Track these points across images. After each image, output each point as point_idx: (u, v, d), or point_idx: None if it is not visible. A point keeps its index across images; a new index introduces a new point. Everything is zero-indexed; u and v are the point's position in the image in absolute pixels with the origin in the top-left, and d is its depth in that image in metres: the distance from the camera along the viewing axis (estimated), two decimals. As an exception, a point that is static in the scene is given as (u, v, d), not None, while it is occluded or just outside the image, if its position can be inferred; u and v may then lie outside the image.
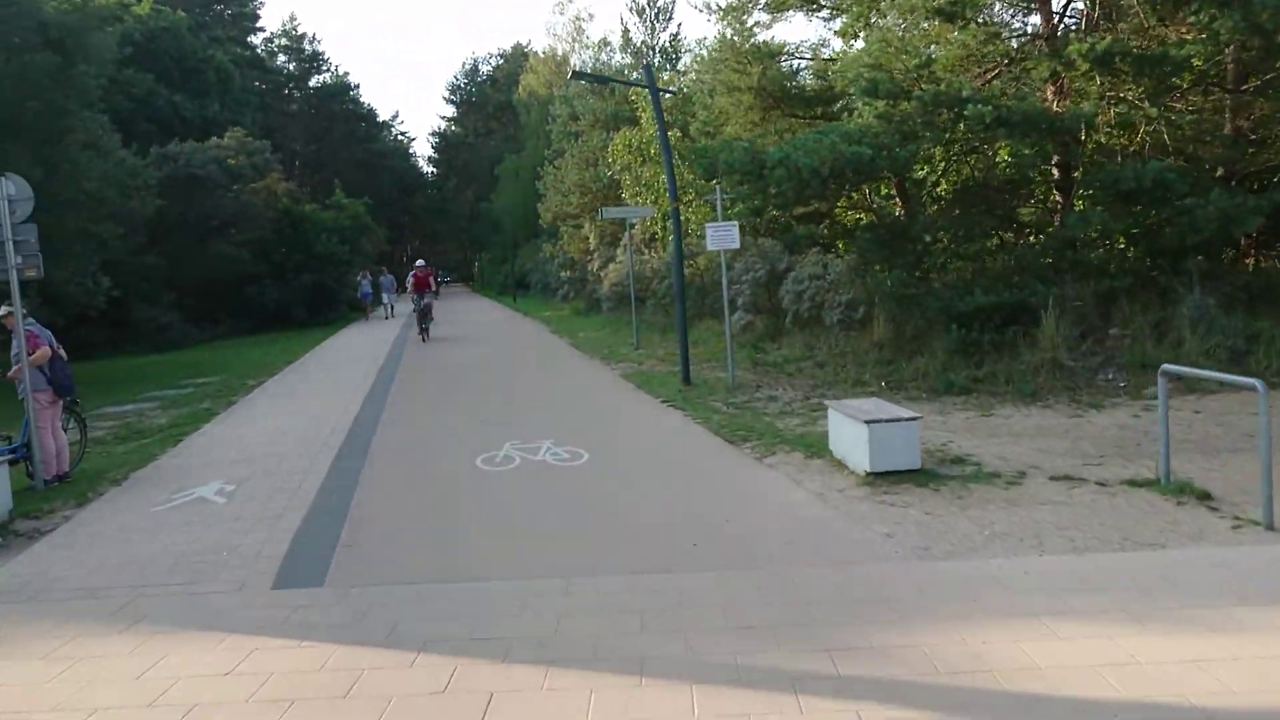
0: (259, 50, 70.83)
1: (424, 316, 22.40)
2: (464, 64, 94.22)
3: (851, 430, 7.91)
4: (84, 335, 29.28)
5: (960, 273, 13.82)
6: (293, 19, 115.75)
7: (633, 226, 22.26)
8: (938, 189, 16.01)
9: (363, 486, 8.23)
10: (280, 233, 34.46)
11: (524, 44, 62.93)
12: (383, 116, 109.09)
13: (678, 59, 30.97)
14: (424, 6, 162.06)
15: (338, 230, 36.05)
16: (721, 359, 16.07)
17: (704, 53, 21.88)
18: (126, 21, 44.86)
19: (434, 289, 22.84)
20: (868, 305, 14.37)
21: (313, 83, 75.70)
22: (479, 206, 64.11)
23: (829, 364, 13.85)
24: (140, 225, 30.59)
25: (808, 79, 20.04)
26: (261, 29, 69.34)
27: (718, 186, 13.12)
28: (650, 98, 14.39)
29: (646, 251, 23.63)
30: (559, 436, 9.99)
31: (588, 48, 52.49)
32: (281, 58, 75.45)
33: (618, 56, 33.75)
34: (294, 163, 73.15)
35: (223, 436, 11.38)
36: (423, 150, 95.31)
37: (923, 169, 14.75)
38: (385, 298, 33.07)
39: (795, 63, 21.02)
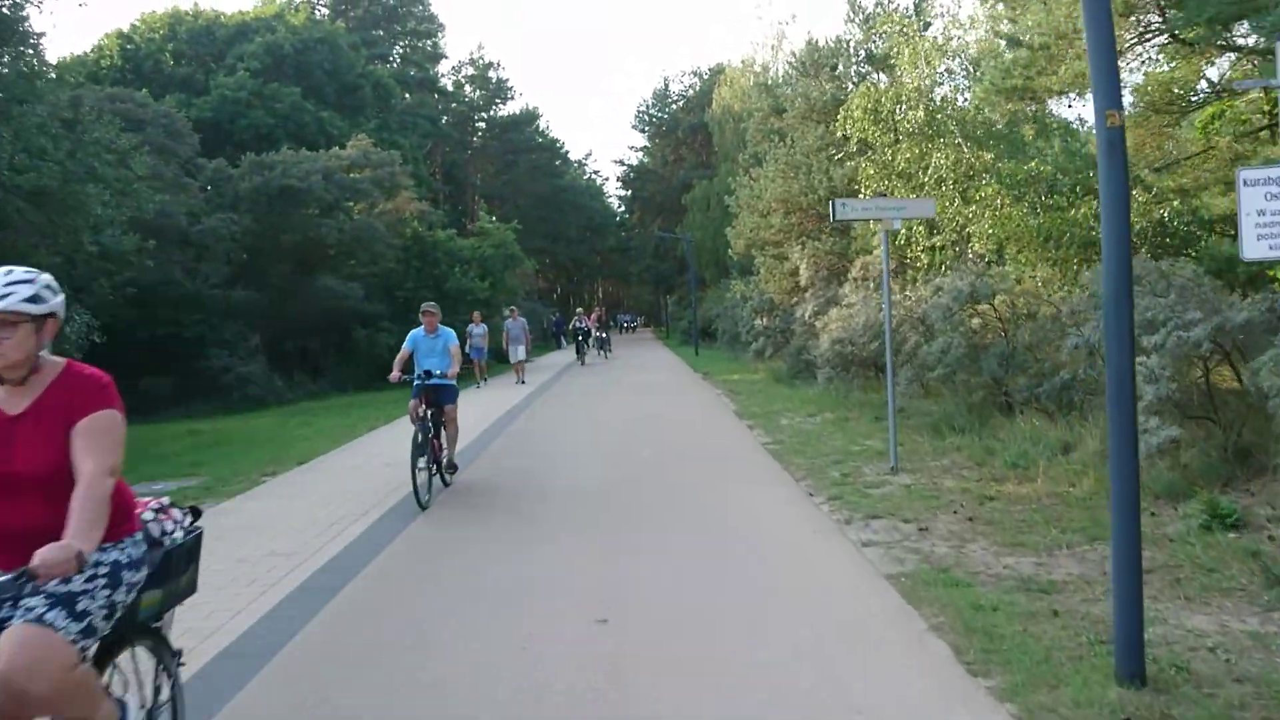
0: (442, 78, 66.84)
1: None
2: (654, 90, 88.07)
3: None
4: (146, 388, 23.22)
5: None
6: (480, 48, 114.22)
7: (892, 237, 13.31)
8: None
9: None
10: (406, 264, 27.67)
11: (720, 65, 55.34)
12: (574, 155, 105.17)
13: (927, 25, 21.70)
14: (616, 40, 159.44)
15: (478, 261, 28.85)
16: (1090, 528, 6.79)
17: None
18: (278, 32, 40.42)
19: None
20: None
21: (497, 113, 71.09)
22: (663, 242, 56.51)
23: None
24: (220, 251, 24.47)
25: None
26: (443, 55, 65.15)
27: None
28: None
29: (898, 288, 14.59)
30: None
31: (794, 54, 44.18)
32: (467, 88, 71.46)
33: (838, 30, 24.86)
34: (472, 196, 68.67)
35: None
36: (610, 187, 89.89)
37: None
38: (514, 352, 22.31)
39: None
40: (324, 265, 26.36)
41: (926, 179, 12.62)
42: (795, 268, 21.51)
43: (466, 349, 21.28)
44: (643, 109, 62.48)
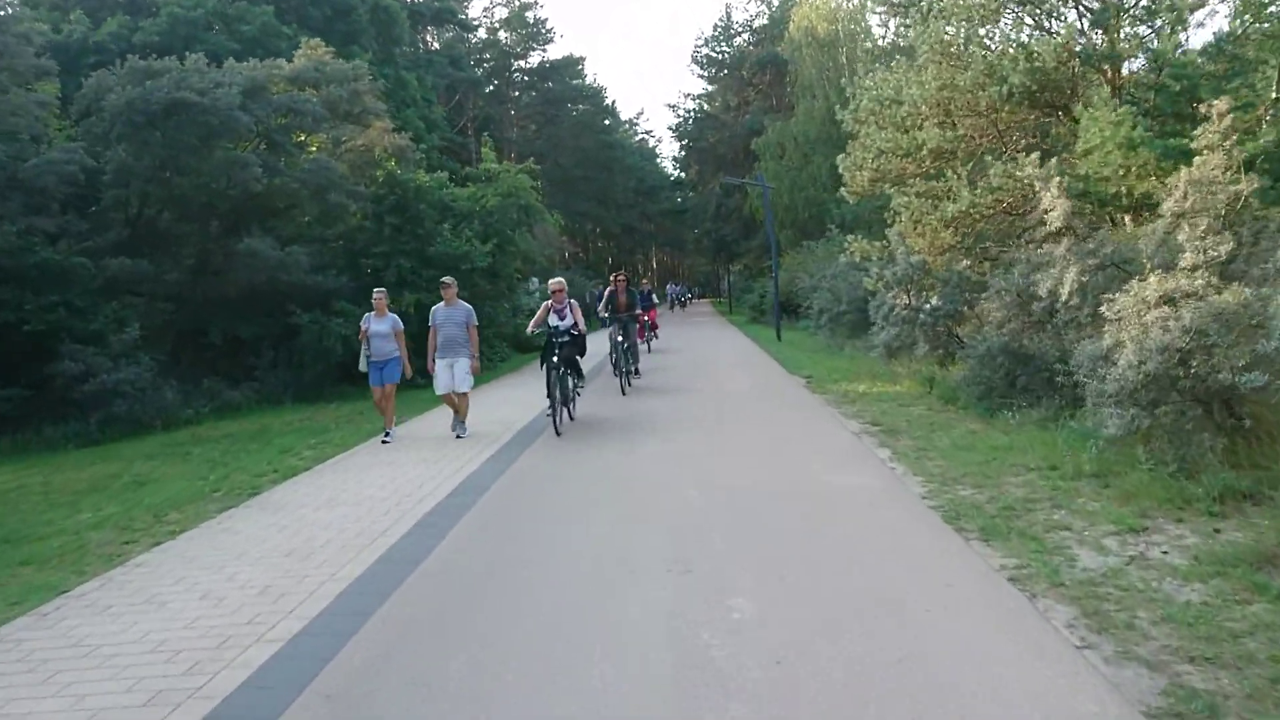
0: (474, 22, 58.75)
1: None
2: (715, 22, 78.61)
3: None
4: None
5: None
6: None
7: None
8: None
9: None
10: (378, 220, 19.73)
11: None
12: (625, 115, 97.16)
13: None
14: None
15: (478, 216, 20.82)
16: None
17: None
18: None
19: None
20: None
21: (535, 59, 62.89)
22: (725, 203, 47.97)
23: None
24: (110, 201, 16.85)
25: None
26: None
27: None
28: None
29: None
30: None
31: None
32: (502, 34, 63.30)
33: None
34: (508, 154, 60.70)
35: None
36: (663, 149, 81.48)
37: None
38: (440, 369, 11.21)
39: None
40: (246, 222, 18.48)
41: None
42: (966, 210, 13.06)
43: (363, 355, 11.58)
44: (700, 43, 53.63)
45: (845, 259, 17.91)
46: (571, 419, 12.05)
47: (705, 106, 54.86)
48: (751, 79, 48.85)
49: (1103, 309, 7.26)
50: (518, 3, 61.92)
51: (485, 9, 64.41)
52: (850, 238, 16.36)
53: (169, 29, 29.49)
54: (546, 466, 9.51)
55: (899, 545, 6.06)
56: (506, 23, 61.86)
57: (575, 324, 11.66)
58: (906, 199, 14.27)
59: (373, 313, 11.66)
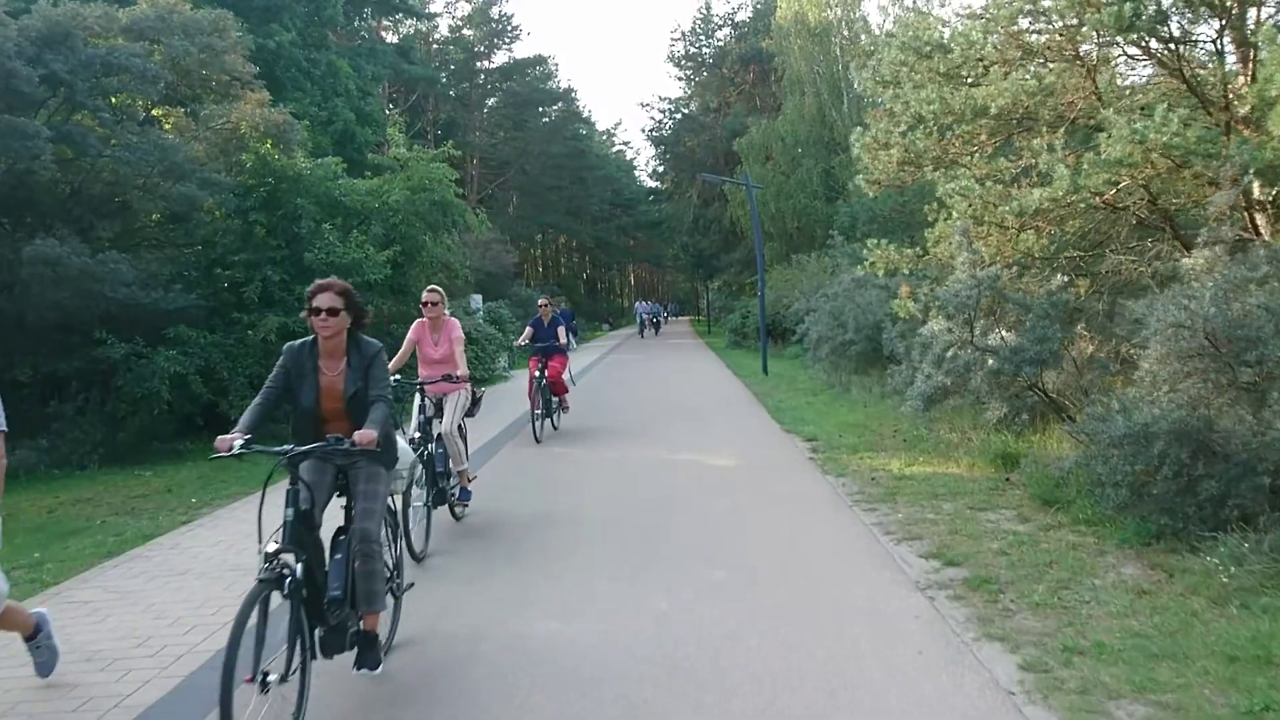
0: (429, 10, 54.14)
1: None
2: (694, 17, 74.10)
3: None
4: None
5: None
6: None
7: None
8: None
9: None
10: (243, 217, 15.03)
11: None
12: (601, 126, 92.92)
13: None
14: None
15: (376, 216, 16.14)
16: None
17: None
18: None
19: None
20: None
21: (500, 59, 58.41)
22: (703, 215, 43.53)
23: None
24: None
25: None
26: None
27: None
28: None
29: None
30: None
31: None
32: (466, 32, 58.81)
33: None
34: (470, 160, 56.03)
35: None
36: (641, 160, 77.00)
37: None
38: None
39: None
40: (70, 221, 13.77)
41: None
42: (1062, 198, 8.48)
43: None
44: (677, 38, 49.36)
45: (860, 272, 13.31)
46: None
47: (684, 107, 50.47)
48: (734, 77, 44.50)
49: None
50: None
51: (447, 4, 59.93)
52: (871, 243, 11.76)
53: (41, -4, 24.69)
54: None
55: None
56: (469, 19, 57.36)
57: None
58: (964, 184, 9.66)
59: None
